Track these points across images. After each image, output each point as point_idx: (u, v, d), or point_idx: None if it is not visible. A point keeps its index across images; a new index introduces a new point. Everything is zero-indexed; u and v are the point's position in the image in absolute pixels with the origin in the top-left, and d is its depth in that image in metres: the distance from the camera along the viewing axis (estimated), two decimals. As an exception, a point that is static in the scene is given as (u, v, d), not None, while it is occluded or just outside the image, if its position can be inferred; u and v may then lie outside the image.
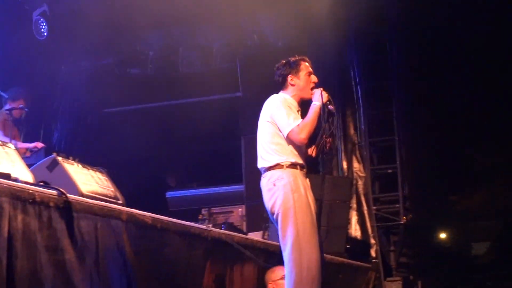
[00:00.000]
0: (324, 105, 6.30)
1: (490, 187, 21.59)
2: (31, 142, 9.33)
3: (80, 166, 6.01)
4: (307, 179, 6.31)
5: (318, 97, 6.33)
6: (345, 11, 12.19)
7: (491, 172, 20.50)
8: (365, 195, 11.91)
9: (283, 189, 6.07)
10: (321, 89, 6.39)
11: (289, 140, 6.17)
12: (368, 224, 11.78)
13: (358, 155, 12.26)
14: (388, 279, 11.87)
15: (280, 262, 7.50)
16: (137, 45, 13.06)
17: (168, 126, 13.30)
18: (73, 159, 6.15)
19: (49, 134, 12.85)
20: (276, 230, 8.84)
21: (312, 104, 6.35)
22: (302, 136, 6.12)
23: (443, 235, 23.52)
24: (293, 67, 6.52)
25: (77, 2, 11.60)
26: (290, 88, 6.49)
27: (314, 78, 6.52)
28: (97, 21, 11.54)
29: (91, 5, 11.49)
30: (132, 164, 13.17)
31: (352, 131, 12.37)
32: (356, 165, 12.15)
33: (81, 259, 4.49)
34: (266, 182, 6.23)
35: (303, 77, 6.48)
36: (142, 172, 13.07)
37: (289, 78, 6.49)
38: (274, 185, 6.12)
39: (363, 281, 10.40)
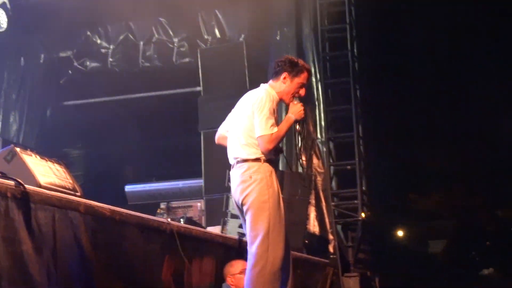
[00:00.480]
0: (296, 122, 6.38)
1: (447, 188, 21.85)
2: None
3: (38, 157, 5.95)
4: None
5: (298, 112, 6.37)
6: (305, 7, 12.28)
7: (448, 174, 20.74)
8: (324, 191, 11.93)
9: (259, 183, 6.11)
10: (302, 105, 6.42)
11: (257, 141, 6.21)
12: (327, 220, 11.81)
13: (317, 151, 12.28)
14: (346, 274, 11.93)
15: (238, 256, 7.55)
16: (97, 38, 13.01)
17: (127, 120, 13.25)
18: (31, 151, 6.10)
19: (8, 126, 12.76)
20: (237, 225, 8.96)
21: (288, 115, 6.40)
22: (270, 147, 6.16)
23: (400, 233, 23.71)
24: (294, 69, 6.48)
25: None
26: (279, 84, 6.44)
27: (302, 92, 6.50)
28: (57, 15, 11.52)
29: (52, -1, 11.48)
30: (91, 157, 13.12)
31: (311, 126, 12.39)
32: (315, 161, 12.16)
33: (38, 251, 4.46)
34: (241, 172, 6.22)
35: (295, 84, 6.43)
36: (101, 165, 13.01)
37: (284, 74, 6.45)
38: (251, 177, 6.14)
39: (321, 277, 10.42)
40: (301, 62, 6.68)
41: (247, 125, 6.31)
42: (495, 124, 18.21)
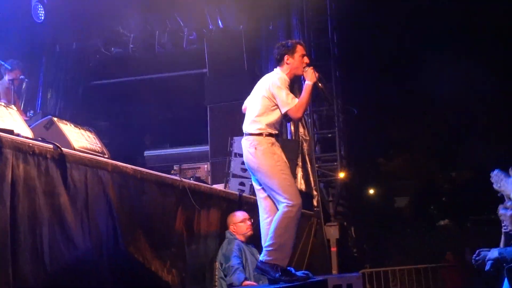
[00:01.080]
0: (315, 83, 6.28)
1: (410, 153, 21.88)
2: (31, 109, 9.22)
3: (72, 125, 5.92)
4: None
5: (310, 76, 6.29)
6: (293, 1, 12.30)
7: (410, 142, 20.76)
8: (309, 155, 11.92)
9: (263, 153, 6.14)
10: (312, 68, 6.35)
11: (286, 115, 6.20)
12: (312, 179, 11.80)
13: (303, 122, 12.26)
14: (327, 224, 11.99)
15: (239, 208, 7.56)
16: (120, 28, 12.99)
17: (146, 97, 13.24)
18: (67, 121, 6.08)
19: (46, 102, 12.76)
20: (237, 183, 8.98)
21: (306, 83, 6.34)
22: (299, 114, 6.21)
23: (371, 191, 23.75)
24: (290, 49, 6.42)
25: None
26: (285, 66, 6.39)
27: (306, 59, 6.43)
28: (86, 8, 11.49)
29: (82, -6, 11.48)
30: (116, 128, 13.09)
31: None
32: (301, 130, 12.14)
33: (73, 203, 4.46)
34: (248, 145, 6.26)
35: (298, 58, 6.37)
36: (125, 134, 12.97)
37: (285, 57, 6.39)
38: (256, 148, 6.17)
39: (307, 225, 10.44)
40: (290, 40, 6.67)
41: (257, 105, 6.30)
42: (447, 98, 18.19)
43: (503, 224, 4.53)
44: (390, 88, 17.80)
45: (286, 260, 6.17)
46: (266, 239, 6.16)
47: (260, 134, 6.23)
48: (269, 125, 6.27)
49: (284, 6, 12.32)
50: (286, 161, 6.29)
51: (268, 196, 6.27)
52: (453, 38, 16.41)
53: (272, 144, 6.23)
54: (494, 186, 4.14)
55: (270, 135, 6.25)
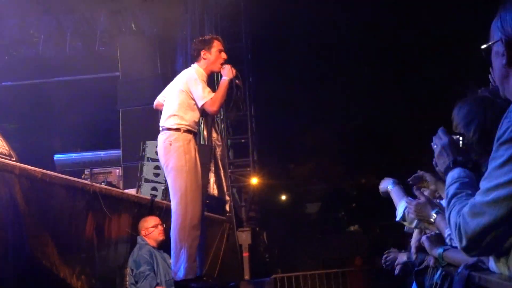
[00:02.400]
0: (232, 80, 6.32)
1: (320, 159, 22.13)
2: None
3: (-23, 127, 5.75)
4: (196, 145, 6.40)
5: (227, 73, 6.34)
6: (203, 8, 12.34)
7: (318, 148, 20.99)
8: (222, 160, 11.94)
9: (177, 150, 6.11)
10: (230, 65, 6.38)
11: (198, 108, 6.21)
12: (224, 184, 11.82)
13: (216, 127, 12.27)
14: (240, 229, 12.01)
15: (151, 213, 7.47)
16: (30, 29, 12.68)
17: (57, 99, 12.95)
18: (-29, 123, 5.89)
19: None
20: (150, 187, 8.90)
21: (222, 79, 6.37)
22: (215, 108, 6.23)
23: (283, 197, 23.91)
24: (207, 44, 6.45)
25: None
26: (202, 61, 6.42)
27: (224, 55, 6.47)
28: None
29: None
30: (24, 132, 12.77)
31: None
32: (214, 135, 12.15)
33: (-24, 207, 4.29)
34: (163, 139, 6.23)
35: (214, 53, 6.41)
36: (33, 138, 12.67)
37: (202, 52, 6.41)
38: (170, 144, 6.15)
39: (219, 231, 10.41)
40: (206, 36, 6.75)
41: (174, 100, 6.30)
42: (354, 106, 18.54)
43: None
44: (301, 96, 17.98)
45: (195, 269, 6.15)
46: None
47: (177, 130, 6.20)
48: (188, 122, 6.25)
49: (198, 11, 12.30)
50: (198, 164, 6.26)
51: None
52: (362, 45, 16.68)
53: (189, 142, 6.19)
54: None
55: (188, 131, 6.22)
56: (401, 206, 3.76)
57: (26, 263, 4.80)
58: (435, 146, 2.60)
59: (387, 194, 4.57)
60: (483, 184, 1.98)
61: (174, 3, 11.74)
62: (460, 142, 2.63)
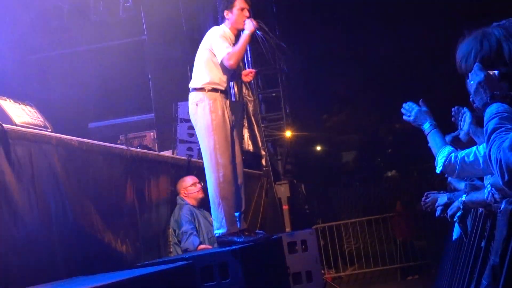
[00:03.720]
0: (254, 33, 6.25)
1: (352, 108, 22.06)
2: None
3: (12, 101, 5.77)
4: (227, 101, 6.40)
5: (248, 26, 6.27)
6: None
7: (351, 97, 20.89)
8: (254, 115, 11.95)
9: (203, 109, 6.15)
10: (251, 19, 6.32)
11: (223, 65, 6.19)
12: (258, 139, 11.85)
13: (247, 83, 12.24)
14: (278, 182, 12.05)
15: (188, 173, 7.53)
16: (54, 0, 12.71)
17: (85, 67, 12.99)
18: (6, 97, 5.92)
19: (-19, 79, 12.48)
20: (185, 148, 8.98)
21: (243, 33, 6.31)
22: (231, 62, 6.12)
23: (318, 148, 23.92)
24: (229, 3, 6.43)
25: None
26: (226, 22, 6.42)
27: (246, 13, 6.39)
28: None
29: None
30: (58, 102, 12.85)
31: (240, 63, 12.30)
32: (245, 91, 12.14)
33: (18, 179, 4.35)
34: (190, 100, 6.29)
35: (236, 12, 6.37)
36: (67, 108, 12.75)
37: (225, 13, 6.43)
38: (197, 105, 6.20)
39: (257, 186, 10.48)
40: None
41: (200, 59, 6.34)
42: (385, 53, 18.35)
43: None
44: (328, 48, 17.86)
45: (235, 224, 6.22)
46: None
47: (201, 89, 6.23)
48: (213, 80, 6.25)
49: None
50: (227, 121, 6.26)
51: None
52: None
53: (215, 100, 6.19)
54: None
55: (213, 90, 6.22)
56: (441, 157, 3.50)
57: (70, 230, 4.87)
58: (471, 83, 2.56)
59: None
60: None
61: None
62: (497, 77, 2.59)
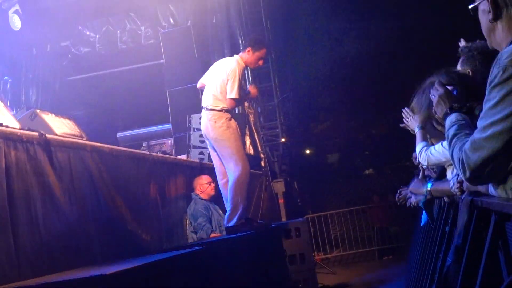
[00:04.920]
0: (252, 98, 7.07)
1: (335, 117, 22.07)
2: (16, 105, 9.01)
3: (53, 115, 5.80)
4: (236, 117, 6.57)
5: (253, 93, 6.89)
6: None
7: (333, 107, 20.91)
8: (255, 124, 11.90)
9: (222, 125, 6.24)
10: (256, 89, 6.84)
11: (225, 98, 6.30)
12: (258, 144, 11.80)
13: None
14: (274, 180, 12.03)
15: (201, 173, 7.54)
16: (87, 31, 12.77)
17: (114, 87, 13.02)
18: (48, 112, 5.94)
19: (28, 98, 12.52)
20: (198, 152, 8.99)
21: (246, 93, 6.80)
22: (234, 106, 6.40)
23: (308, 151, 23.91)
24: (257, 46, 6.48)
25: (40, 2, 11.31)
26: (245, 55, 6.46)
27: (261, 62, 6.55)
28: (56, 15, 11.29)
29: (50, 4, 11.27)
30: (91, 116, 12.87)
31: (242, 81, 12.27)
32: (246, 104, 12.09)
33: (60, 180, 4.36)
34: (209, 118, 6.32)
35: (255, 56, 6.43)
36: (99, 120, 12.78)
37: (248, 49, 6.46)
38: (215, 122, 6.25)
39: (258, 183, 10.46)
40: (263, 41, 6.75)
41: (218, 85, 6.35)
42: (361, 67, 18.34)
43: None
44: (317, 64, 17.85)
45: (246, 213, 6.25)
46: (226, 198, 6.22)
47: (220, 110, 6.28)
48: (226, 103, 6.32)
49: (224, 1, 12.23)
50: (239, 133, 6.36)
51: (222, 161, 6.30)
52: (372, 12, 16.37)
53: (229, 118, 6.28)
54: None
55: (227, 111, 6.27)
56: (418, 148, 3.81)
57: (104, 222, 4.88)
58: (433, 97, 2.59)
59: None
60: (480, 123, 1.97)
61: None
62: (455, 92, 2.62)
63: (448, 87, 2.61)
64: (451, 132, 2.24)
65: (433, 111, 2.67)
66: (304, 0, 14.70)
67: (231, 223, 6.15)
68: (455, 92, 2.61)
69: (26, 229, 3.81)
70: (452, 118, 2.34)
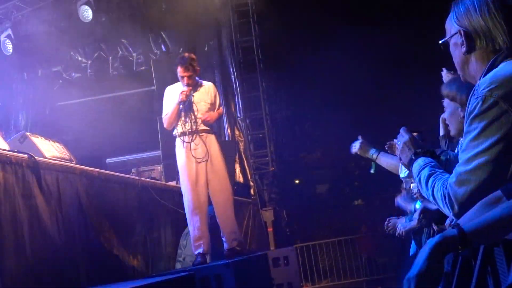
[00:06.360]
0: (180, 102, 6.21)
1: (325, 148, 22.14)
2: (5, 129, 8.99)
3: (43, 138, 5.79)
4: (200, 141, 6.19)
5: (178, 97, 6.28)
6: (224, 25, 12.31)
7: (325, 138, 20.97)
8: (244, 152, 11.94)
9: (176, 154, 6.25)
10: (182, 91, 6.25)
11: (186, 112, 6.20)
12: (248, 172, 11.82)
13: (238, 125, 12.25)
14: (263, 209, 12.00)
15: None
16: (78, 56, 12.79)
17: (104, 112, 13.01)
18: (38, 135, 5.94)
19: (18, 122, 12.51)
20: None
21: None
22: (165, 125, 6.33)
23: (297, 181, 23.90)
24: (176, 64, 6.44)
25: (32, 27, 11.34)
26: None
27: (183, 81, 6.36)
28: (47, 41, 11.31)
29: (43, 29, 11.31)
30: (81, 141, 12.84)
31: (232, 108, 12.34)
32: (237, 132, 12.15)
33: (48, 203, 4.35)
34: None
35: (179, 75, 6.40)
36: (89, 146, 12.73)
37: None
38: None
39: (247, 211, 10.44)
40: (178, 60, 6.50)
41: None
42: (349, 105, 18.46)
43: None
44: (307, 95, 17.95)
45: (198, 248, 6.05)
46: None
47: (175, 136, 6.27)
48: (177, 129, 6.25)
49: (215, 29, 12.32)
50: (190, 162, 6.14)
51: None
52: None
53: (180, 146, 6.19)
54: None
55: (179, 136, 6.20)
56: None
57: (91, 246, 4.85)
58: (398, 143, 2.60)
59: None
60: (463, 156, 1.96)
61: (191, 25, 11.77)
62: (419, 138, 2.65)
63: (414, 134, 2.63)
64: (425, 173, 2.21)
65: (398, 158, 2.67)
66: (297, 30, 14.81)
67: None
68: (420, 139, 2.64)
69: (12, 252, 3.78)
70: (419, 162, 2.32)
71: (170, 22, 11.62)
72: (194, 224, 6.01)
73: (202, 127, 6.23)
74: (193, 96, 6.23)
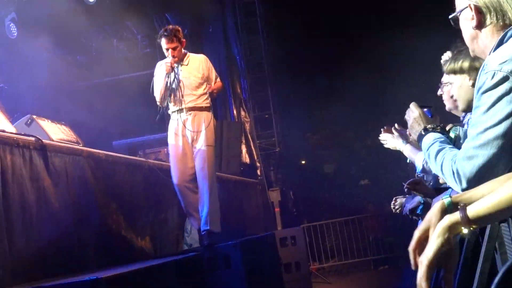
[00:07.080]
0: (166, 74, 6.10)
1: (331, 128, 22.13)
2: (11, 113, 8.97)
3: (49, 121, 5.80)
4: (187, 117, 6.08)
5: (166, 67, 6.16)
6: (228, 5, 12.28)
7: (331, 118, 20.96)
8: (251, 133, 11.94)
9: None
10: (166, 63, 6.11)
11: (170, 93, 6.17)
12: (254, 153, 11.83)
13: (244, 106, 12.24)
14: (270, 189, 12.02)
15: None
16: (83, 39, 12.76)
17: (110, 94, 13.01)
18: (45, 118, 5.95)
19: (24, 105, 12.48)
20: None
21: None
22: (157, 101, 6.29)
23: (303, 161, 23.92)
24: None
25: (37, 10, 11.28)
26: None
27: (167, 54, 6.20)
28: (52, 23, 11.27)
29: (47, 12, 11.25)
30: (86, 122, 12.86)
31: (238, 90, 12.31)
32: (242, 113, 12.13)
33: (55, 185, 4.37)
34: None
35: (163, 48, 6.17)
36: (95, 128, 12.75)
37: None
38: None
39: (254, 191, 10.47)
40: (162, 31, 6.24)
41: None
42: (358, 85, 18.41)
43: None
44: (314, 80, 17.93)
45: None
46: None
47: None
48: (169, 105, 6.21)
49: (220, 10, 12.26)
50: (178, 139, 6.12)
51: None
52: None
53: (170, 124, 6.25)
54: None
55: (171, 113, 6.19)
56: (419, 159, 3.61)
57: (98, 227, 4.88)
58: (408, 119, 2.58)
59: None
60: (472, 131, 1.93)
61: (195, 7, 11.72)
62: (429, 113, 2.63)
63: (424, 109, 2.62)
64: (434, 148, 2.20)
65: (407, 132, 2.64)
66: (302, 10, 14.73)
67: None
68: (429, 114, 2.63)
69: (21, 234, 3.81)
70: (429, 137, 2.32)
71: (174, 4, 11.59)
72: (181, 202, 5.98)
73: (191, 104, 6.04)
74: (181, 70, 6.04)
